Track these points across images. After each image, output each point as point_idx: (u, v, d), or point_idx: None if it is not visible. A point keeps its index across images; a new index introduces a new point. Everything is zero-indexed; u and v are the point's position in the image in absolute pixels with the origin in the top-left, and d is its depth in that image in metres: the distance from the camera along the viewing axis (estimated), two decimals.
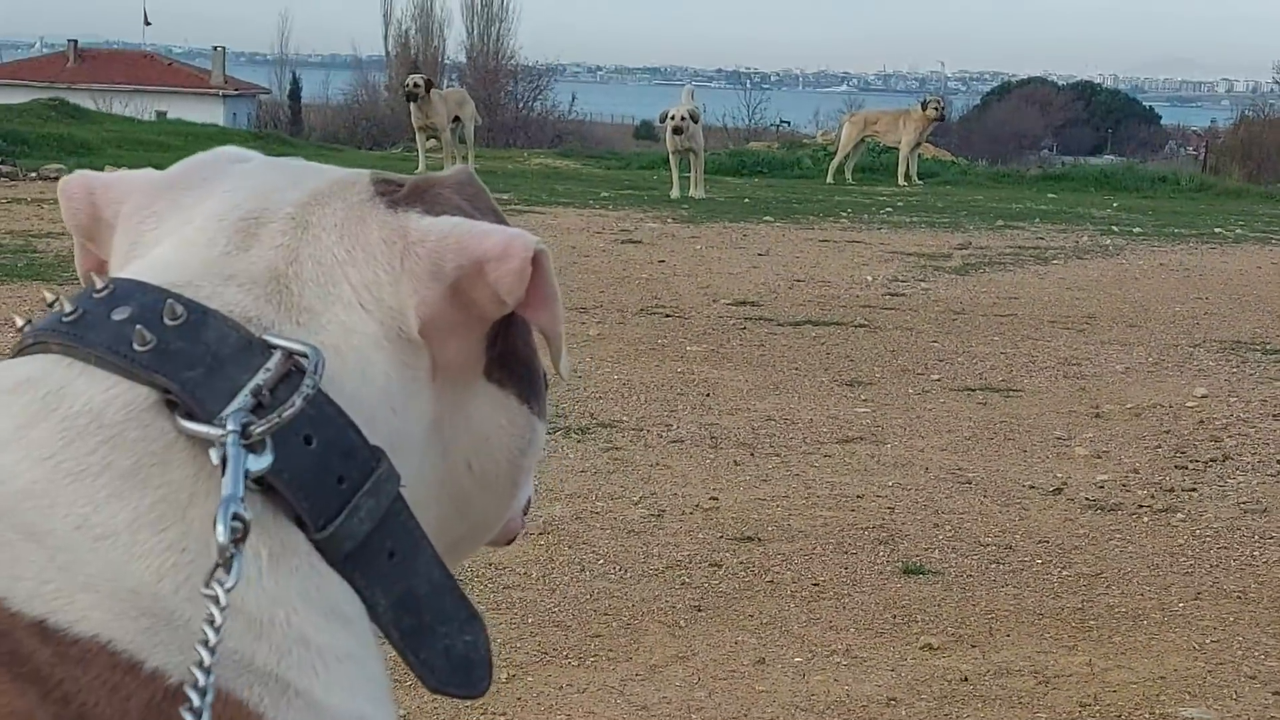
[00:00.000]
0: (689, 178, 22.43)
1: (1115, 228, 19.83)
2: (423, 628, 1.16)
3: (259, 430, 1.04)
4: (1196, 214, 22.77)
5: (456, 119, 25.31)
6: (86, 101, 36.65)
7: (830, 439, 8.12)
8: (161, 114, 42.84)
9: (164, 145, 25.78)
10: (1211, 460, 7.92)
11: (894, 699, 4.91)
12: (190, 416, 1.05)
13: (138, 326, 1.07)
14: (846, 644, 5.36)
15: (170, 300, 1.08)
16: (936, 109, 27.41)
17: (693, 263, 14.78)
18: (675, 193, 22.08)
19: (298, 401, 1.06)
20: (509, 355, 1.25)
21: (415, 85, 25.06)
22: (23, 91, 41.94)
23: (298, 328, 1.11)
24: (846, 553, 6.32)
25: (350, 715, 1.05)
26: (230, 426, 1.03)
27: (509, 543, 1.50)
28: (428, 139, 25.26)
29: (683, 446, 7.86)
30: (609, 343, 10.48)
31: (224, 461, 1.02)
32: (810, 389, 9.32)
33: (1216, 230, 20.02)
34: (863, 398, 9.13)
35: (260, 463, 1.04)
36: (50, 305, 1.13)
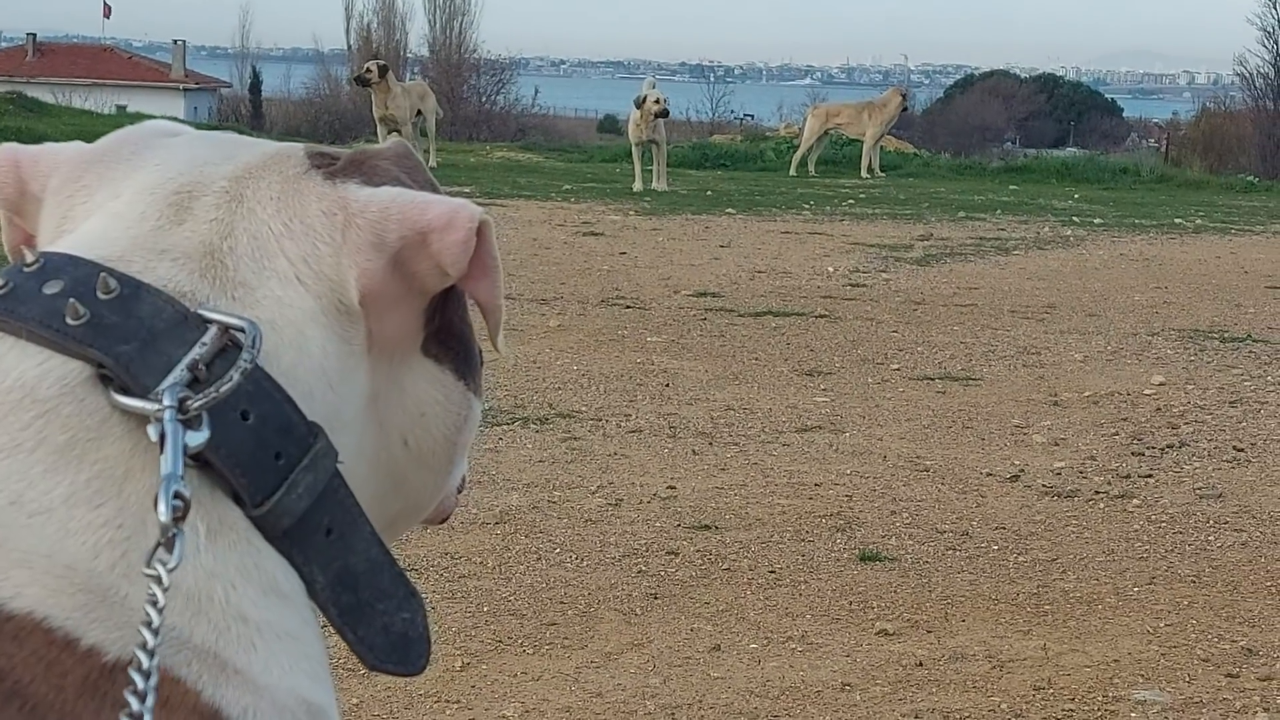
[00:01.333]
0: (652, 170, 22.43)
1: (1076, 219, 19.90)
2: (361, 605, 1.14)
3: (195, 405, 1.03)
4: (1157, 205, 22.86)
5: (419, 112, 25.24)
6: (46, 95, 36.51)
7: (789, 428, 8.13)
8: (121, 108, 42.66)
9: None
10: (1168, 447, 7.96)
11: (848, 684, 4.92)
12: (125, 391, 1.04)
13: (70, 300, 1.05)
14: (802, 630, 5.37)
15: (103, 274, 1.07)
16: (901, 94, 27.68)
17: (654, 254, 14.78)
18: (638, 185, 22.07)
19: (235, 376, 1.05)
20: (445, 331, 1.24)
21: (368, 70, 24.95)
22: None
23: (233, 303, 1.10)
24: (804, 540, 6.33)
25: (288, 692, 1.04)
26: (166, 401, 1.02)
27: (443, 521, 1.49)
28: (389, 132, 25.18)
29: (641, 436, 7.87)
30: (569, 334, 10.49)
31: (162, 438, 1.02)
32: (770, 379, 9.33)
33: (1177, 221, 20.10)
34: (822, 387, 9.15)
35: (197, 438, 1.03)
36: None
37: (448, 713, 4.65)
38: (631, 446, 7.66)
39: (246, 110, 57.44)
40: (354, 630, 1.14)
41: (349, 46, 56.28)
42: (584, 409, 8.38)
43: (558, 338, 10.31)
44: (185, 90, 60.94)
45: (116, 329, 1.05)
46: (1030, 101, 74.55)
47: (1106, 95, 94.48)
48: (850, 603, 5.66)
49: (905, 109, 28.43)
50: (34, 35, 65.40)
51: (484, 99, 54.08)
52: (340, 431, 1.14)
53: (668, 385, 9.03)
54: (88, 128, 27.22)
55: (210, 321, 1.07)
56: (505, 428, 7.89)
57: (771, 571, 5.96)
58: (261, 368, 1.07)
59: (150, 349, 1.05)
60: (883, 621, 5.46)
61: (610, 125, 55.99)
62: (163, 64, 66.23)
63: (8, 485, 1.00)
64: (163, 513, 0.99)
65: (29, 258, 1.10)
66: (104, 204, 1.18)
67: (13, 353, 1.05)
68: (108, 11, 59.88)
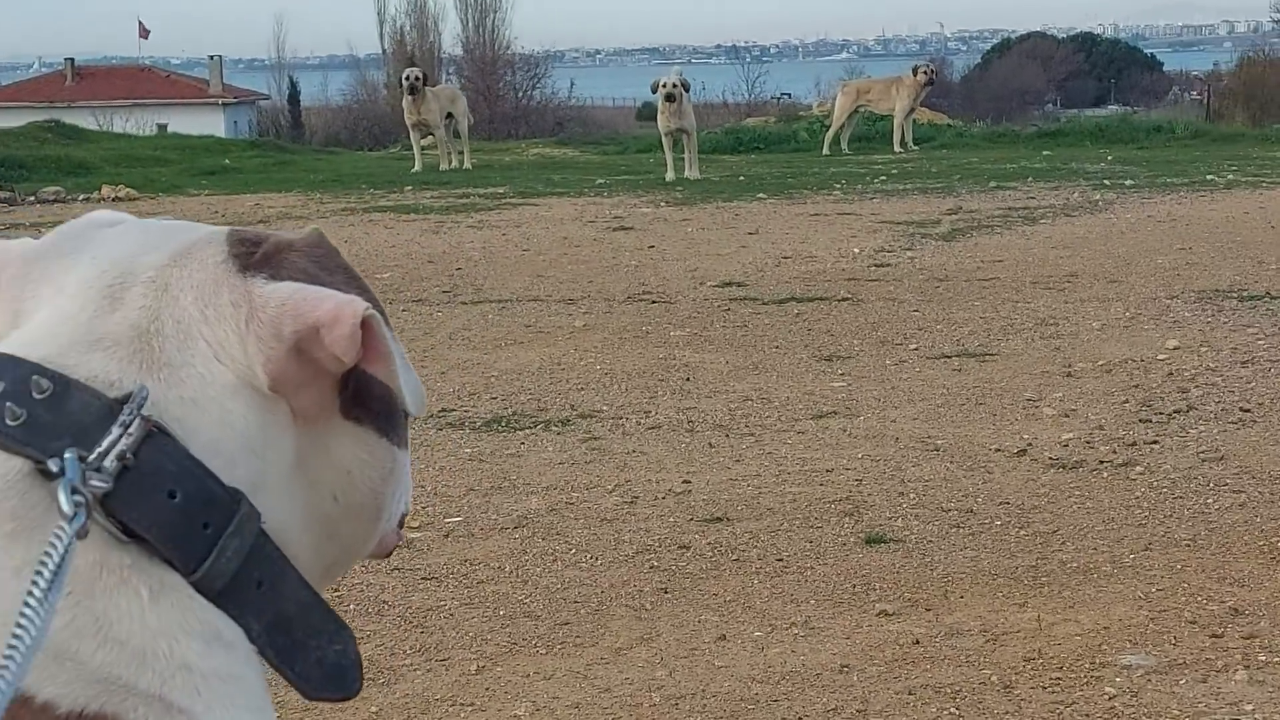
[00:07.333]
0: (684, 159, 22.56)
1: (1107, 181, 19.97)
2: (295, 644, 1.30)
3: (92, 458, 1.18)
4: (1190, 162, 22.86)
5: (450, 115, 25.49)
6: (87, 119, 36.84)
7: (805, 415, 8.30)
8: (162, 127, 42.99)
9: (162, 160, 25.89)
10: (1176, 411, 8.10)
11: (847, 666, 5.11)
12: None
13: (8, 403, 1.19)
14: (805, 615, 5.56)
15: (35, 375, 1.20)
16: (926, 74, 27.57)
17: (682, 246, 14.95)
18: (670, 175, 22.21)
19: (117, 432, 1.19)
20: (363, 394, 1.35)
21: (416, 79, 25.29)
22: (23, 113, 42.09)
23: (159, 382, 1.24)
24: (812, 527, 6.51)
25: None
26: (67, 456, 1.17)
27: (387, 555, 1.66)
28: (422, 136, 25.46)
29: (660, 432, 8.05)
30: (594, 333, 10.67)
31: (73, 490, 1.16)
32: (789, 366, 9.50)
33: (1209, 177, 20.15)
34: (839, 372, 9.31)
35: (99, 481, 1.17)
36: None
37: (462, 715, 4.86)
38: (649, 443, 7.85)
39: (286, 121, 57.84)
40: (291, 668, 1.30)
41: (384, 51, 56.67)
42: (605, 408, 8.57)
43: (583, 337, 10.51)
44: (224, 105, 61.35)
45: (50, 427, 1.19)
46: (1069, 62, 74.27)
47: (1145, 50, 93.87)
48: (854, 586, 5.84)
49: (932, 83, 28.38)
50: (72, 60, 65.92)
51: (520, 95, 54.28)
52: (267, 492, 1.28)
53: (688, 379, 9.22)
54: (125, 151, 27.51)
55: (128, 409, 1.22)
56: (527, 431, 8.10)
57: (779, 559, 6.14)
58: (184, 448, 1.23)
59: (81, 443, 1.20)
60: (883, 602, 5.65)
61: (649, 112, 55.77)
62: (201, 80, 66.64)
63: None
64: (64, 503, 1.13)
65: None
66: (50, 299, 1.30)
67: None
68: (145, 33, 60.28)
